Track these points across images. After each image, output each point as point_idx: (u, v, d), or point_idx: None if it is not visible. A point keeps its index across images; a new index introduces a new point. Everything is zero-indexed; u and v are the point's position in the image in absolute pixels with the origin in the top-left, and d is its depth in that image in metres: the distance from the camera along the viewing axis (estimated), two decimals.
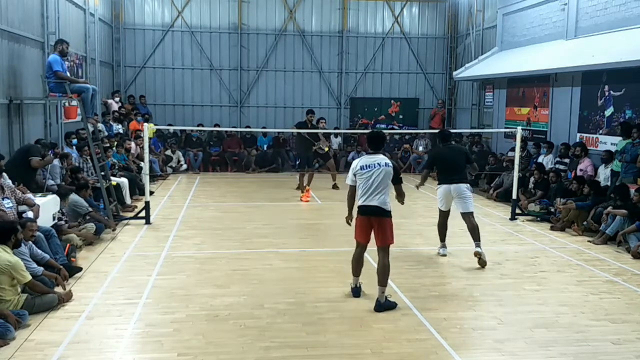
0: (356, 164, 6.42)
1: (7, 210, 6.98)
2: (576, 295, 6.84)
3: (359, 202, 6.38)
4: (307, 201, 12.77)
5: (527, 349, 5.36)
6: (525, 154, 13.78)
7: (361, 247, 6.55)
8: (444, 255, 8.50)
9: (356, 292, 6.63)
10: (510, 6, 16.07)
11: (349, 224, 6.70)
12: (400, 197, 6.66)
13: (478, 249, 7.95)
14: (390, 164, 6.38)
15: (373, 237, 6.42)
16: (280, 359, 5.10)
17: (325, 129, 14.59)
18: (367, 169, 6.30)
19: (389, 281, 6.41)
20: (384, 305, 6.20)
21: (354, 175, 6.40)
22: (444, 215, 8.57)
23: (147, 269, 7.55)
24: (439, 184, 8.45)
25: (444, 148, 8.68)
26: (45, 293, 6.07)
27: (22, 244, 6.28)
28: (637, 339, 5.63)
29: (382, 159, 6.36)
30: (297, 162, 13.87)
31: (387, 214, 6.30)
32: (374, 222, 6.33)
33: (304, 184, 13.50)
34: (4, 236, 5.92)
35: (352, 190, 6.51)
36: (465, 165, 8.43)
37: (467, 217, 8.19)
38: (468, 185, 8.30)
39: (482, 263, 7.87)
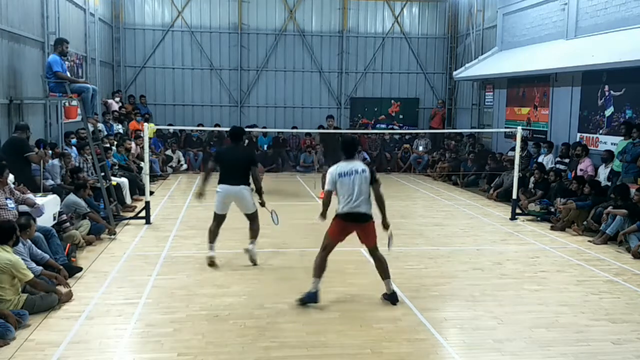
0: (334, 170, 6.24)
1: (10, 211, 6.99)
2: (576, 295, 6.83)
3: (341, 209, 6.24)
4: None
5: (527, 349, 5.36)
6: (525, 154, 13.78)
7: (328, 251, 6.36)
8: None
9: (314, 297, 6.28)
10: (510, 6, 16.07)
11: (324, 219, 6.35)
12: (380, 201, 6.32)
13: (249, 247, 7.85)
14: (367, 170, 6.28)
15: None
16: (280, 359, 5.10)
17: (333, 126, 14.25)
18: (345, 176, 6.20)
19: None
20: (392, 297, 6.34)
21: (334, 182, 6.22)
22: (219, 219, 8.15)
23: (147, 269, 7.55)
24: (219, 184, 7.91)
25: (229, 148, 8.28)
26: (47, 291, 6.07)
27: (21, 244, 6.27)
28: (637, 339, 5.63)
29: (359, 165, 6.30)
30: (320, 164, 13.44)
31: (370, 217, 6.26)
32: (356, 228, 6.30)
33: None
34: (4, 236, 5.91)
35: (330, 194, 6.27)
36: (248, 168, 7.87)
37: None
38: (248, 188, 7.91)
39: (253, 261, 7.79)
